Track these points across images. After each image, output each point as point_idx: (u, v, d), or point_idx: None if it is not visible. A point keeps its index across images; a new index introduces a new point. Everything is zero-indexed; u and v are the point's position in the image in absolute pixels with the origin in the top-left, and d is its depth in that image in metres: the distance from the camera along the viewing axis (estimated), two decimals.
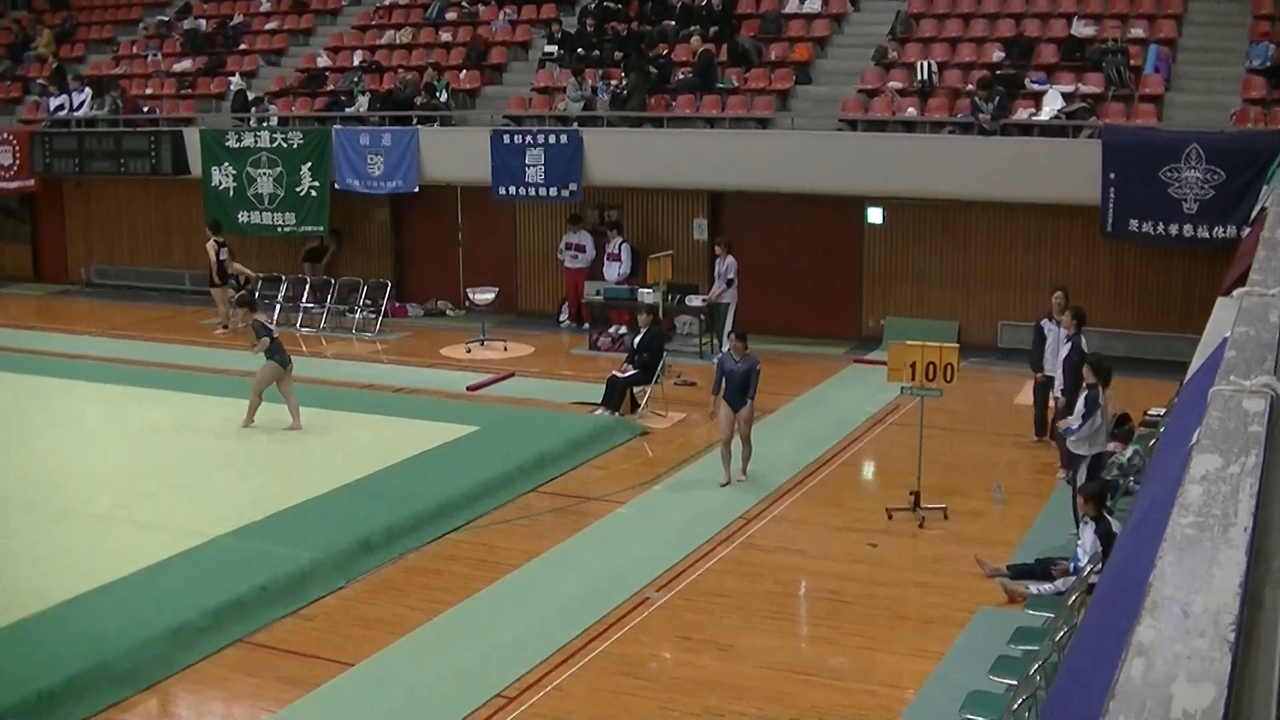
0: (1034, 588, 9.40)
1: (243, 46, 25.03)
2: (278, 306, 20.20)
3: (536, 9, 23.17)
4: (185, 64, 24.72)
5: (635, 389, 14.90)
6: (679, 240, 19.59)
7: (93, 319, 21.71)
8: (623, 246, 19.52)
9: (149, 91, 24.27)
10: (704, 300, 17.93)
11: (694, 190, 19.28)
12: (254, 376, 14.36)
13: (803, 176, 17.83)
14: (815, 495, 12.24)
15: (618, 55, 20.77)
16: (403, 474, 12.52)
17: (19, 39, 27.48)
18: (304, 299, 20.68)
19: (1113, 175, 16.12)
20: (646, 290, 17.53)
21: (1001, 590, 9.63)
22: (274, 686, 8.48)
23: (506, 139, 19.51)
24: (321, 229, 21.50)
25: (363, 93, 21.75)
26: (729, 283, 17.70)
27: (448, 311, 21.31)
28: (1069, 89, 17.49)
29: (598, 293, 19.06)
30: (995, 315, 18.03)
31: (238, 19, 25.82)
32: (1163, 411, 12.20)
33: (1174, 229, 16.03)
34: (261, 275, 20.85)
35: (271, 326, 14.70)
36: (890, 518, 11.37)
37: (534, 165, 19.28)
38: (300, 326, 20.22)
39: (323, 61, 23.56)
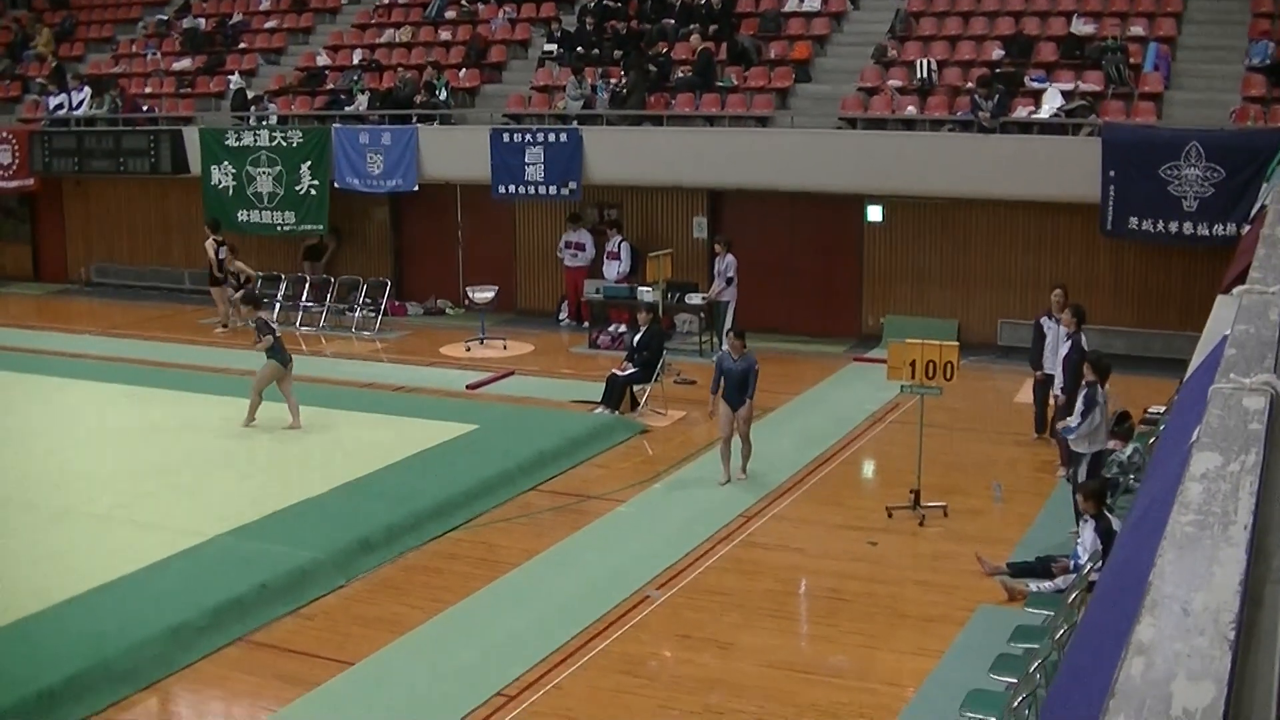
0: (1034, 586, 9.40)
1: (242, 45, 25.01)
2: (278, 305, 20.20)
3: (536, 7, 23.16)
4: (185, 63, 24.70)
5: (635, 387, 14.89)
6: (678, 238, 19.58)
7: (92, 318, 21.70)
8: (622, 245, 19.51)
9: (148, 90, 24.25)
10: (704, 298, 17.92)
11: (693, 188, 19.27)
12: (254, 375, 14.38)
13: (802, 175, 17.82)
14: (815, 493, 12.24)
15: (617, 54, 20.75)
16: (402, 473, 12.51)
17: (18, 38, 27.46)
18: (304, 298, 20.68)
19: (1112, 173, 16.11)
20: (646, 289, 17.51)
21: (1001, 588, 9.63)
22: (274, 685, 8.48)
23: (506, 137, 19.50)
24: (321, 228, 21.49)
25: (362, 91, 21.73)
26: (729, 281, 17.70)
27: (447, 310, 21.30)
28: (1069, 87, 17.48)
29: (597, 291, 19.05)
30: (995, 313, 18.02)
31: (237, 18, 25.80)
32: (1163, 409, 12.18)
33: (1174, 227, 16.03)
34: (261, 274, 20.85)
35: (274, 325, 14.71)
36: (890, 516, 11.37)
37: (533, 164, 19.27)
38: (300, 325, 20.22)
39: (322, 60, 23.55)
